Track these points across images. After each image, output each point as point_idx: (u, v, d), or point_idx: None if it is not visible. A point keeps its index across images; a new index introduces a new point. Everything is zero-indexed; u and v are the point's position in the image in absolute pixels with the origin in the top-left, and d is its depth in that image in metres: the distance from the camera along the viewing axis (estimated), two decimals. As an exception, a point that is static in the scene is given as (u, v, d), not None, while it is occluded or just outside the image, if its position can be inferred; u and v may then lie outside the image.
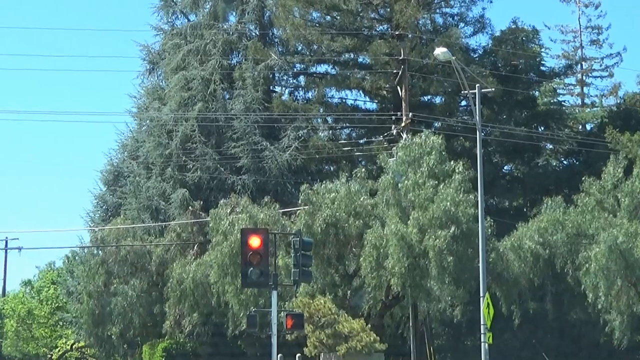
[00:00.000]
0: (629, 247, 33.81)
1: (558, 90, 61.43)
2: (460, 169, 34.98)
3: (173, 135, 48.56)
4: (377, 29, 50.13)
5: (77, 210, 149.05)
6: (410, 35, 47.44)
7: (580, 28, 68.36)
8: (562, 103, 61.28)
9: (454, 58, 34.24)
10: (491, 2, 50.82)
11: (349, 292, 36.85)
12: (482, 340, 32.81)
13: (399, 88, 46.94)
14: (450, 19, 50.51)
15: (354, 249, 36.53)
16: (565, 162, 54.60)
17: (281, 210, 38.94)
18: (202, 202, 45.03)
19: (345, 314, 33.12)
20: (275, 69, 50.19)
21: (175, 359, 43.51)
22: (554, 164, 53.58)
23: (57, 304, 65.74)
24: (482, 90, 35.77)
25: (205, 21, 50.79)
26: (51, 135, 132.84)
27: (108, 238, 46.19)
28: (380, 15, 49.65)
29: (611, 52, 66.43)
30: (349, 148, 48.54)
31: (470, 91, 34.28)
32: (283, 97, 51.21)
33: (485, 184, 34.51)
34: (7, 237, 74.54)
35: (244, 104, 47.66)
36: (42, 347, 66.26)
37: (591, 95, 68.65)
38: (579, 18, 68.46)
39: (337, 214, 36.17)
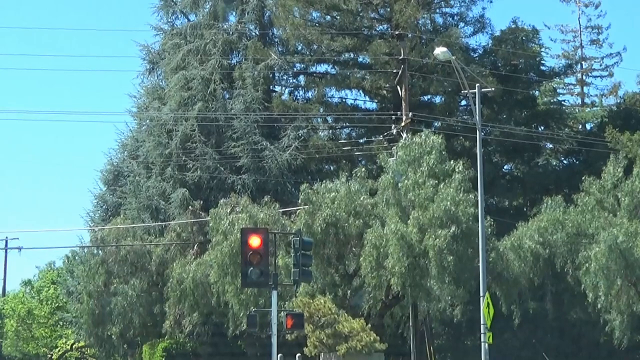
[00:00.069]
0: (629, 247, 33.80)
1: (558, 90, 61.45)
2: (460, 169, 34.97)
3: (173, 135, 48.56)
4: (377, 29, 50.15)
5: (77, 210, 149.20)
6: (410, 35, 47.44)
7: (580, 28, 68.40)
8: (562, 103, 61.34)
9: (453, 58, 34.24)
10: (491, 1, 50.96)
11: (349, 292, 36.84)
12: (482, 340, 32.80)
13: (398, 88, 46.93)
14: (450, 18, 50.59)
15: (354, 249, 36.52)
16: (565, 162, 54.61)
17: (281, 210, 38.93)
18: (202, 202, 45.03)
19: (345, 314, 33.10)
20: (275, 68, 50.19)
21: (175, 359, 43.49)
22: (554, 163, 53.59)
23: (57, 304, 65.73)
24: (482, 90, 35.75)
25: (205, 21, 50.79)
26: (51, 135, 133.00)
27: (108, 238, 46.17)
28: (380, 15, 49.66)
29: (611, 51, 66.53)
30: (349, 148, 48.54)
31: (470, 91, 34.27)
32: (283, 97, 51.22)
33: (485, 183, 34.51)
34: (7, 237, 74.65)
35: (243, 104, 47.66)
36: (42, 347, 66.25)
37: (591, 95, 68.76)
38: (579, 18, 68.55)
39: (337, 213, 36.16)
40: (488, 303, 32.26)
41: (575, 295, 37.35)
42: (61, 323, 63.65)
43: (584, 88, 68.81)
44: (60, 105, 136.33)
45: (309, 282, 32.23)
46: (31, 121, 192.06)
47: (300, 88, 52.42)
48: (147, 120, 52.86)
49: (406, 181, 35.12)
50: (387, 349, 33.35)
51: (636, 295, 34.59)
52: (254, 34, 51.06)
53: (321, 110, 51.05)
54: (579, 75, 67.95)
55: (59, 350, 63.21)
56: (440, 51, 33.95)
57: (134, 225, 47.18)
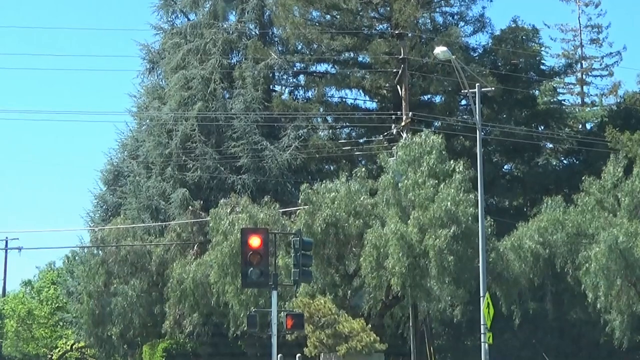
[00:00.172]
0: (629, 247, 33.78)
1: (558, 90, 61.42)
2: (460, 169, 34.95)
3: (173, 134, 48.54)
4: (377, 28, 50.11)
5: (77, 210, 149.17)
6: (410, 34, 47.42)
7: (580, 27, 68.42)
8: (562, 102, 61.34)
9: (453, 57, 34.21)
10: (491, 1, 51.44)
11: (349, 292, 36.82)
12: (482, 340, 32.78)
13: (398, 87, 46.90)
14: (450, 18, 50.58)
15: (354, 249, 36.50)
16: (565, 162, 54.59)
17: (281, 210, 38.90)
18: (202, 202, 45.02)
19: (346, 314, 33.09)
20: (275, 68, 50.17)
21: (176, 359, 43.47)
22: (554, 163, 53.58)
23: (57, 304, 65.70)
24: (482, 89, 35.72)
25: (205, 20, 50.77)
26: (51, 135, 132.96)
27: (108, 238, 46.15)
28: (380, 14, 49.64)
29: (611, 51, 66.59)
30: (349, 147, 48.51)
31: (470, 90, 34.25)
32: (283, 97, 51.20)
33: (485, 183, 34.49)
34: (7, 237, 74.71)
35: (243, 104, 47.64)
36: (42, 348, 66.22)
37: (591, 95, 68.79)
38: (579, 17, 68.58)
39: (337, 213, 36.14)
40: (488, 303, 32.24)
41: (575, 295, 37.32)
42: (61, 323, 63.63)
43: (584, 87, 68.88)
44: (60, 105, 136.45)
45: (309, 283, 32.20)
46: (31, 121, 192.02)
47: (300, 88, 52.46)
48: (147, 120, 52.84)
49: (406, 181, 35.10)
50: (387, 349, 33.34)
51: (636, 295, 34.57)
52: (254, 33, 51.05)
53: (321, 110, 51.04)
54: (579, 74, 67.97)
55: (59, 351, 63.20)
56: (440, 50, 33.92)
57: (134, 225, 47.16)
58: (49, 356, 64.31)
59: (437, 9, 50.64)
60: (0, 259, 76.50)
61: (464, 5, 50.30)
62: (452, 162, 35.51)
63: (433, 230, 33.24)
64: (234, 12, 51.67)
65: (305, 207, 36.64)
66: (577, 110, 62.73)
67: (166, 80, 52.13)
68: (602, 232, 34.49)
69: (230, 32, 50.33)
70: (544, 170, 51.38)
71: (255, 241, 26.86)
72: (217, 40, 49.49)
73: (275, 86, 52.70)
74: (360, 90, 50.85)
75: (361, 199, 36.67)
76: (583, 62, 68.41)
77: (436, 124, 48.00)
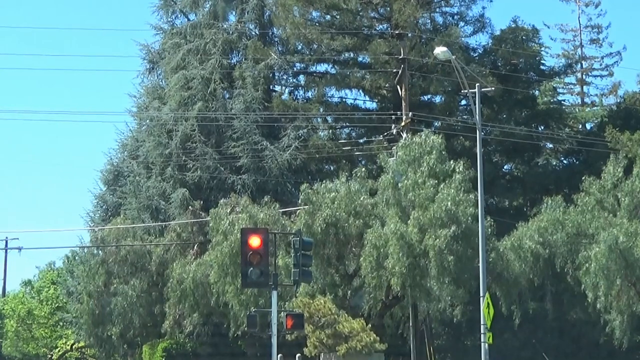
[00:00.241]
0: (629, 247, 33.78)
1: (558, 90, 61.45)
2: (460, 169, 34.95)
3: (173, 134, 48.55)
4: (377, 28, 50.13)
5: (77, 210, 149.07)
6: (410, 35, 47.43)
7: (580, 27, 68.40)
8: (562, 102, 61.37)
9: (453, 57, 34.21)
10: (491, 1, 51.34)
11: (349, 292, 36.82)
12: (482, 340, 32.78)
13: (398, 87, 46.92)
14: (450, 18, 50.59)
15: (354, 249, 36.50)
16: (565, 162, 54.60)
17: (281, 210, 38.90)
18: (202, 202, 45.01)
19: (345, 314, 33.08)
20: (275, 68, 50.17)
21: (175, 359, 43.47)
22: (554, 163, 53.59)
23: (57, 304, 65.70)
24: (482, 89, 35.72)
25: (205, 20, 50.78)
26: (51, 135, 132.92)
27: (108, 238, 46.16)
28: (380, 14, 49.64)
29: (611, 51, 66.57)
30: (349, 147, 48.52)
31: (470, 90, 34.25)
32: (283, 97, 51.20)
33: (485, 183, 34.49)
34: (7, 237, 74.71)
35: (243, 104, 47.65)
36: (42, 347, 66.22)
37: (591, 95, 68.78)
38: (579, 17, 68.56)
39: (337, 213, 36.14)
40: (488, 303, 32.24)
41: (575, 295, 37.33)
42: (61, 323, 63.63)
43: (584, 87, 68.87)
44: (60, 105, 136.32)
45: (309, 283, 32.18)
46: (31, 121, 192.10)
47: (300, 88, 52.47)
48: (147, 120, 52.84)
49: (406, 181, 35.10)
50: (387, 349, 33.33)
51: (636, 295, 34.57)
52: (253, 33, 51.05)
53: (321, 110, 51.05)
54: (579, 74, 67.97)
55: (59, 351, 63.17)
56: (440, 51, 33.93)
57: (134, 225, 47.16)
58: (49, 356, 64.29)
59: (437, 9, 50.67)
60: (0, 258, 76.62)
61: (464, 6, 50.38)
62: (452, 162, 35.50)
63: (433, 230, 33.25)
64: (234, 12, 51.68)
65: (305, 207, 36.64)
66: (577, 110, 62.75)
67: (166, 81, 52.13)
68: (602, 232, 34.49)
69: (230, 32, 50.34)
70: (544, 170, 51.38)
71: (255, 241, 26.86)
72: (217, 40, 49.50)
73: (275, 86, 52.74)
74: (360, 91, 50.91)
75: (361, 199, 36.67)
76: (583, 62, 68.43)
77: (436, 124, 48.01)
